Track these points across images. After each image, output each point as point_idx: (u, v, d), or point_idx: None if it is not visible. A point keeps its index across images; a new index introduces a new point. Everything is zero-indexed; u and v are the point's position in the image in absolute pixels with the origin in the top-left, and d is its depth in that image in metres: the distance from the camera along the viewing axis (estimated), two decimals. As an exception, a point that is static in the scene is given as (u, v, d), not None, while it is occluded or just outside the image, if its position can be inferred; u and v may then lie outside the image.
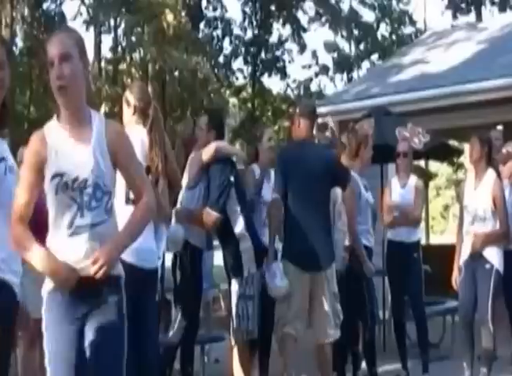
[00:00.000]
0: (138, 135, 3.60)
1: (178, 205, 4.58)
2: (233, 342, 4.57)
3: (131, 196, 3.53)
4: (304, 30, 21.76)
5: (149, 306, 3.54)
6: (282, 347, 4.78)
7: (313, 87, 22.75)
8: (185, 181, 4.58)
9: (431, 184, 22.77)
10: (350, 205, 5.10)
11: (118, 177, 3.57)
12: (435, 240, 18.49)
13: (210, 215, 4.40)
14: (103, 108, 11.75)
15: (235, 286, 4.53)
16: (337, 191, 5.63)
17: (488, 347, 4.94)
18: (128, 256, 3.46)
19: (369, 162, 5.27)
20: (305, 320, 4.67)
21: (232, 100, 22.62)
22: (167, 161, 3.61)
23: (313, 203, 4.66)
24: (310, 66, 23.29)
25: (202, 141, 4.67)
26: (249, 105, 22.03)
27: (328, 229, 4.75)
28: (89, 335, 2.52)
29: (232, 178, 4.51)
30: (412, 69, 11.33)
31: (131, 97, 3.72)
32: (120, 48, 14.79)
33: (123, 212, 3.54)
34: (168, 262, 4.66)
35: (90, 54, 14.19)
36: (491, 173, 5.04)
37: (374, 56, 22.57)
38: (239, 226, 4.53)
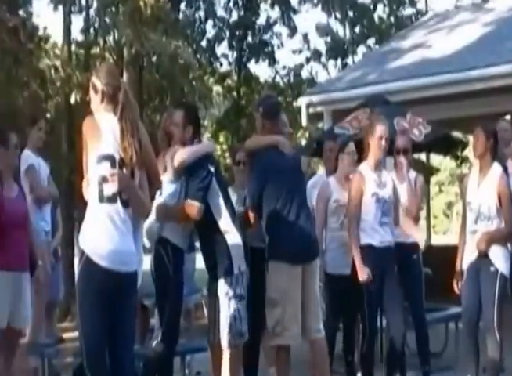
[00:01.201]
0: (108, 124, 3.57)
1: (157, 197, 4.54)
2: (225, 348, 4.54)
3: (106, 193, 3.51)
4: (295, 11, 21.71)
5: (127, 311, 3.56)
6: (277, 359, 4.89)
7: (304, 74, 22.74)
8: (167, 176, 4.58)
9: (433, 179, 22.87)
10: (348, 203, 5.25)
11: (93, 174, 3.56)
12: (437, 240, 18.56)
13: (192, 205, 4.44)
14: (74, 97, 11.65)
15: (224, 286, 4.50)
16: (331, 188, 5.68)
17: (494, 357, 4.95)
18: (101, 259, 3.45)
19: (377, 157, 5.22)
20: (300, 320, 4.78)
21: (216, 88, 22.55)
22: (142, 151, 3.57)
23: (294, 195, 4.85)
24: (301, 52, 23.28)
25: (178, 138, 4.67)
26: (234, 94, 21.97)
27: (310, 220, 5.02)
28: None
29: (212, 169, 4.55)
30: (412, 54, 11.36)
31: (97, 82, 3.68)
32: (92, 31, 14.69)
33: (97, 212, 3.52)
34: (147, 265, 4.65)
35: (59, 37, 14.13)
36: (496, 168, 5.05)
37: (371, 40, 22.58)
38: (225, 220, 4.54)
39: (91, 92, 3.72)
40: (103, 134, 3.55)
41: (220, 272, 4.54)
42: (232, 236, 4.54)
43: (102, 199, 3.53)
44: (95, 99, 3.71)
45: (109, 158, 3.53)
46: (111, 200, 3.52)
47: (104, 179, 3.52)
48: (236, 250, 4.52)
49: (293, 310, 4.74)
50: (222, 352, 4.57)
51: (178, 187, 4.60)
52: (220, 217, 4.54)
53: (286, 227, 4.80)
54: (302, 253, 4.82)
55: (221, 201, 4.57)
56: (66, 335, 7.41)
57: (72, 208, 12.71)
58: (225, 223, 4.54)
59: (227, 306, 4.50)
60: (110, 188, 3.52)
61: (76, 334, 3.67)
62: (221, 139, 22.87)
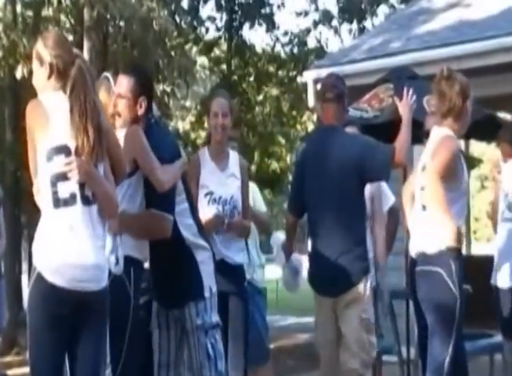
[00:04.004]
0: (58, 106, 3.54)
1: None
2: None
3: (62, 196, 3.49)
4: (299, -38, 21.79)
5: (92, 337, 3.55)
6: None
7: (311, 42, 22.81)
8: None
9: (474, 173, 22.91)
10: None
11: (43, 174, 3.53)
12: (479, 249, 18.59)
13: (163, 218, 4.23)
14: (21, 69, 11.60)
15: (193, 315, 4.33)
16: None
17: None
18: (55, 276, 3.43)
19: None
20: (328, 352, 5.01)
21: (201, 60, 22.59)
22: (100, 135, 3.53)
23: (332, 210, 4.93)
24: (307, 14, 23.32)
25: (126, 115, 4.37)
26: (224, 67, 22.01)
27: (354, 242, 4.97)
28: None
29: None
30: (446, 15, 11.36)
31: (45, 52, 3.66)
32: (43, -12, 14.70)
33: (52, 221, 3.50)
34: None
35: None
36: None
37: (394, -1, 22.63)
38: (192, 230, 4.41)
39: (36, 64, 3.70)
40: (52, 120, 3.53)
41: (187, 296, 4.37)
42: (202, 251, 4.40)
43: (57, 203, 3.51)
44: (39, 74, 3.70)
45: (63, 149, 3.52)
46: (69, 202, 3.51)
47: (58, 178, 3.50)
48: (206, 267, 4.39)
49: (318, 341, 5.16)
50: None
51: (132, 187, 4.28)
52: (187, 228, 4.39)
53: (313, 247, 5.03)
54: (320, 284, 5.03)
55: (188, 206, 4.43)
56: (11, 372, 7.41)
57: (19, 212, 12.70)
58: (193, 234, 4.40)
59: (205, 344, 4.33)
60: (67, 187, 3.51)
61: (24, 370, 3.66)
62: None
